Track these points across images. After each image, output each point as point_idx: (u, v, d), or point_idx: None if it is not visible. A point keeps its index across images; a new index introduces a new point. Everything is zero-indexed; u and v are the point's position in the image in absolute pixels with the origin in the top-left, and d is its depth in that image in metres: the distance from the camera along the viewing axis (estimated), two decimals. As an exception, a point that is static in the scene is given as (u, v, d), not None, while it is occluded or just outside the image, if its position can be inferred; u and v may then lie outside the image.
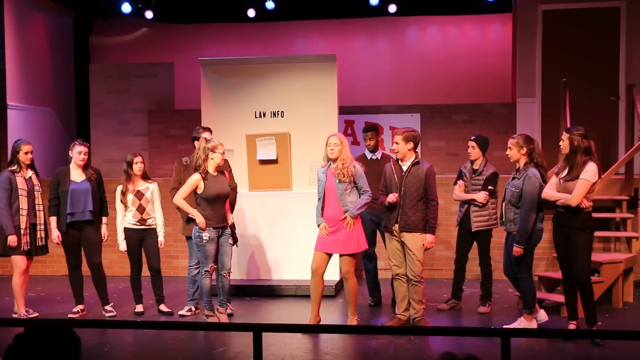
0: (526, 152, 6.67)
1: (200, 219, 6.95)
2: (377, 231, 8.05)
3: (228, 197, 7.19)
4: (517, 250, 6.57)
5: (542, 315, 6.82)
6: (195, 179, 7.00)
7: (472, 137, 7.75)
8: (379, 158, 8.03)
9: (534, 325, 6.71)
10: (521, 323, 6.76)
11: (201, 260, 7.08)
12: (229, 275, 7.21)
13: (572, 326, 6.51)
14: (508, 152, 6.78)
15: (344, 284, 7.06)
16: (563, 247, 6.44)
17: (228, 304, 7.46)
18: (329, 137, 6.99)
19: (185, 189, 7.06)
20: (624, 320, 7.31)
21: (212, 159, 6.99)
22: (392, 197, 6.85)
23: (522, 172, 6.66)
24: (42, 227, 7.54)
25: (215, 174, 7.05)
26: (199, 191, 7.00)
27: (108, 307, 7.63)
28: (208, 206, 6.99)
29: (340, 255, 6.96)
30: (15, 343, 2.57)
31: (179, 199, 7.05)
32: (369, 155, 8.05)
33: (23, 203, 7.37)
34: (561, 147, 6.38)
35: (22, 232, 7.35)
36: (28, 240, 7.40)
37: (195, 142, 7.52)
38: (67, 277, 7.75)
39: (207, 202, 6.98)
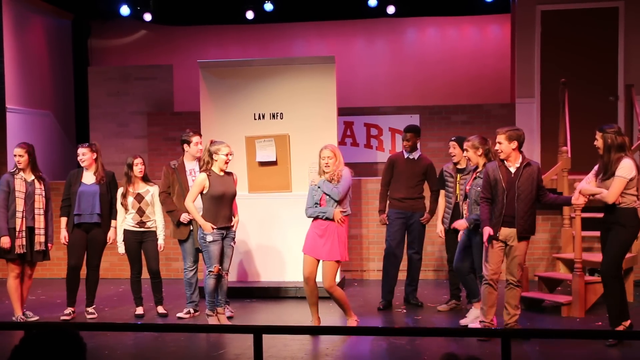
0: (482, 153, 6.86)
1: (205, 225, 6.97)
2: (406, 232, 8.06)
3: (234, 198, 7.20)
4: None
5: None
6: (201, 179, 7.05)
7: (453, 138, 7.76)
8: (416, 158, 8.06)
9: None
10: (472, 313, 7.07)
11: (205, 261, 7.10)
12: (227, 276, 7.23)
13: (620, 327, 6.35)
14: (465, 154, 6.95)
15: (330, 297, 7.01)
16: (604, 243, 6.43)
17: (227, 305, 7.47)
18: (321, 149, 6.96)
19: (193, 191, 7.10)
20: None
21: (215, 160, 7.03)
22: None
23: (484, 171, 6.73)
24: (42, 231, 7.45)
25: (222, 174, 7.09)
26: (204, 191, 7.02)
27: (90, 309, 7.65)
28: (213, 205, 7.01)
29: (323, 262, 6.88)
30: (21, 346, 2.55)
31: (189, 203, 7.09)
32: (406, 155, 8.10)
33: (19, 206, 7.34)
34: (596, 145, 6.35)
35: (16, 234, 7.31)
36: (23, 243, 7.34)
37: (185, 145, 7.65)
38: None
39: (212, 201, 7.01)
